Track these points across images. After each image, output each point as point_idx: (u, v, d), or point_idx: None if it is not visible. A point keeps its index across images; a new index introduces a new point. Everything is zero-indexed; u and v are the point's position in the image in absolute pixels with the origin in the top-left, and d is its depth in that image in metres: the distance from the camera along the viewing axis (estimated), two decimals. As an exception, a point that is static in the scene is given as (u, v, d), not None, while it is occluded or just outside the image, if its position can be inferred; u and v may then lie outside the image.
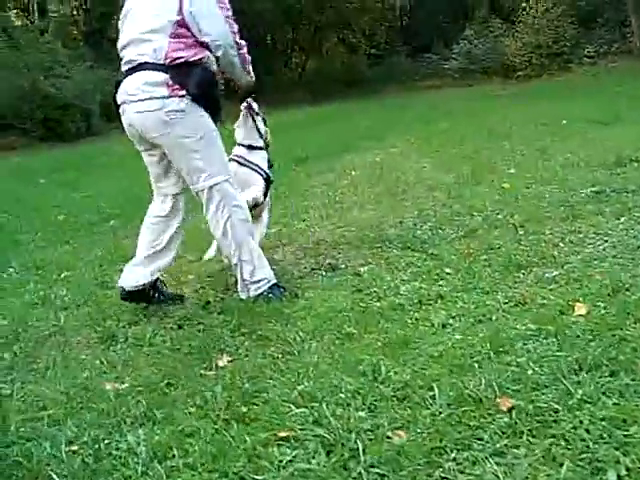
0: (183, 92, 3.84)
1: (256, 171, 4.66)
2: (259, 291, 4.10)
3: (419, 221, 5.54)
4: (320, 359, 3.09)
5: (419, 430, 2.38)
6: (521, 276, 3.88)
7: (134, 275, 4.17)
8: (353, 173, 8.83)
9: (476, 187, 6.70)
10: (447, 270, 4.14)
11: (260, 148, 4.70)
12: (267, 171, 4.72)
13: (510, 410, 2.40)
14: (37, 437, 2.76)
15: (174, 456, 2.44)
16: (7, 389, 3.34)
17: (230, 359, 3.29)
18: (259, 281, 4.11)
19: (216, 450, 2.42)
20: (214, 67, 4.06)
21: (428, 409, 2.51)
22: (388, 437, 2.37)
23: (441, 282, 3.97)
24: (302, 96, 27.00)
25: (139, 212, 7.48)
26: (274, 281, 4.17)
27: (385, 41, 32.47)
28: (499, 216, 5.32)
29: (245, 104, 4.63)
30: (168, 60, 3.82)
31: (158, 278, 4.32)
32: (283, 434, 2.47)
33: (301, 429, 2.49)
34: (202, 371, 3.20)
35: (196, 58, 3.89)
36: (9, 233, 7.56)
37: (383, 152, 10.35)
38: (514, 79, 23.24)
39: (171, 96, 3.82)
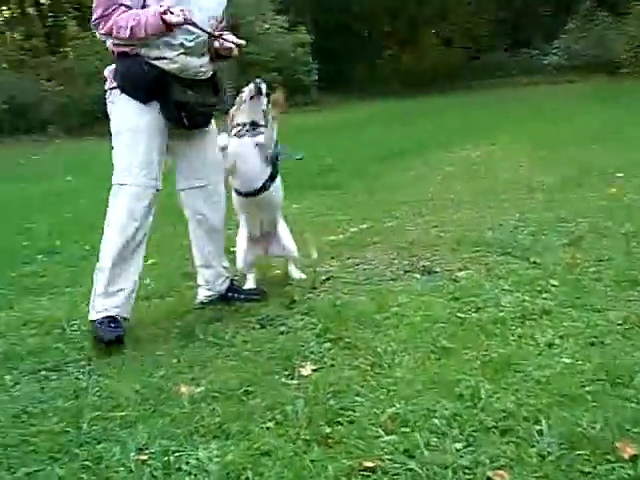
0: (113, 84, 3.76)
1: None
2: (93, 317, 3.74)
3: (520, 224, 5.22)
4: (413, 376, 2.83)
5: (525, 472, 2.10)
6: (636, 294, 3.53)
7: None
8: (447, 169, 8.51)
9: (580, 190, 6.33)
10: (552, 282, 3.82)
11: (264, 126, 4.18)
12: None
13: (634, 459, 2.08)
14: (108, 439, 2.62)
15: (247, 479, 2.23)
16: (84, 382, 3.23)
17: (314, 368, 3.06)
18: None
19: (293, 475, 2.21)
20: (159, 61, 3.67)
21: (534, 447, 2.23)
22: (489, 478, 2.10)
23: (546, 295, 3.66)
24: (396, 89, 26.68)
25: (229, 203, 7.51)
26: (112, 313, 3.70)
27: (482, 35, 31.64)
28: (607, 224, 4.95)
29: (253, 85, 4.15)
30: (114, 53, 3.79)
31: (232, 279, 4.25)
32: (369, 464, 2.22)
33: (390, 459, 2.24)
34: (283, 379, 2.98)
35: (126, 50, 3.69)
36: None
37: (479, 149, 10.00)
38: (620, 76, 22.18)
39: (109, 88, 3.80)
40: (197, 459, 2.37)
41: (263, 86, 4.08)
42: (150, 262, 5.24)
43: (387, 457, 2.26)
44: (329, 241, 5.44)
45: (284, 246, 4.36)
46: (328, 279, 4.42)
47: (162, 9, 3.51)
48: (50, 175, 11.92)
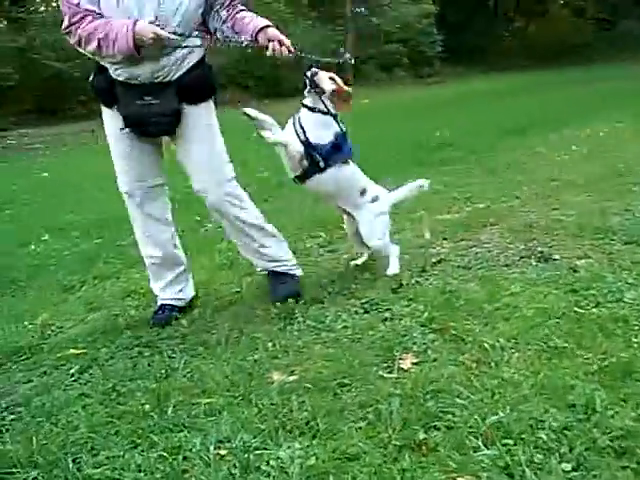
0: None
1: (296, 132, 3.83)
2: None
3: (649, 212, 4.76)
4: (521, 378, 2.55)
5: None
6: None
7: None
8: (572, 148, 8.00)
9: None
10: (684, 276, 3.41)
11: (320, 111, 3.81)
12: (308, 136, 3.79)
13: None
14: (190, 427, 2.50)
15: (330, 485, 2.04)
16: (175, 361, 3.13)
17: (415, 361, 2.82)
18: None
19: (380, 486, 1.99)
20: (111, 68, 3.40)
21: (658, 475, 1.92)
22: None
23: (677, 291, 3.27)
24: (521, 62, 25.76)
25: None
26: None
27: (615, 4, 29.96)
28: None
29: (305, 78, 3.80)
30: None
31: None
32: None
33: (488, 477, 1.99)
34: (381, 372, 2.75)
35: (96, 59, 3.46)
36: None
37: (606, 127, 9.36)
38: None
39: None
40: (278, 459, 2.20)
41: (315, 78, 3.76)
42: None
43: (484, 474, 2.01)
44: (443, 220, 5.17)
45: (360, 241, 4.10)
46: (439, 262, 4.16)
47: (133, 28, 3.18)
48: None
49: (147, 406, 2.68)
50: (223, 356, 3.11)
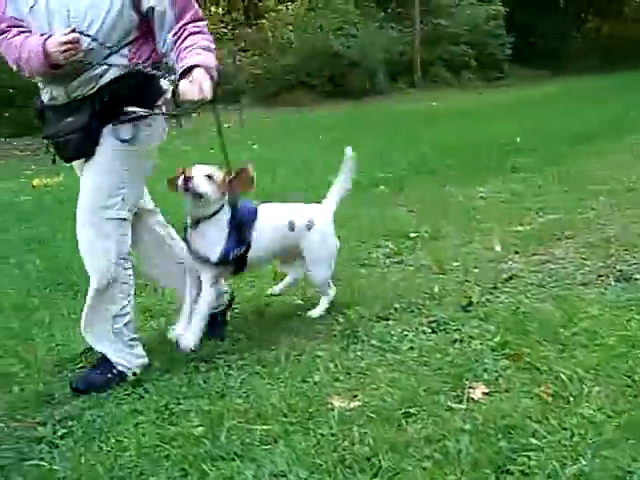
0: None
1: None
2: None
3: None
4: (603, 417, 2.32)
5: None
6: None
7: None
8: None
9: None
10: None
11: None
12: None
13: None
14: (244, 457, 2.35)
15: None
16: (232, 379, 2.99)
17: (486, 391, 2.61)
18: None
19: None
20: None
21: None
22: None
23: None
24: (592, 64, 25.10)
25: (410, 181, 7.10)
26: None
27: None
28: None
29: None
30: None
31: None
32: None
33: None
34: (449, 402, 2.56)
35: None
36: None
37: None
38: None
39: None
40: (334, 501, 2.03)
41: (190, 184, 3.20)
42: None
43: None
44: (514, 232, 4.94)
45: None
46: (511, 278, 3.95)
47: (43, 45, 2.83)
48: (239, 143, 11.96)
49: (200, 429, 2.55)
50: (281, 376, 2.96)
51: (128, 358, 3.17)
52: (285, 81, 20.65)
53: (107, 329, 3.14)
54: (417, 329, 3.33)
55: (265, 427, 2.49)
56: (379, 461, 2.20)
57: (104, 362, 3.16)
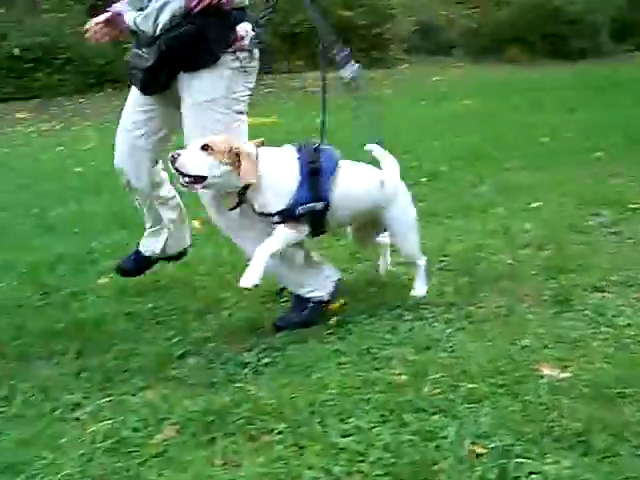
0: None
1: None
2: None
3: None
4: None
5: None
6: None
7: None
8: None
9: None
10: None
11: None
12: None
13: None
14: (446, 412, 2.30)
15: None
16: (437, 332, 2.94)
17: None
18: None
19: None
20: None
21: None
22: None
23: None
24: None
25: (631, 151, 6.51)
26: None
27: None
28: None
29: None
30: None
31: None
32: None
33: None
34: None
35: None
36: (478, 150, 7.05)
37: None
38: None
39: None
40: (541, 473, 1.93)
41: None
42: (535, 205, 4.80)
43: None
44: None
45: None
46: None
47: None
48: (449, 97, 11.71)
49: (403, 377, 2.54)
50: (489, 335, 2.87)
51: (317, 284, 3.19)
52: (496, 37, 19.71)
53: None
54: (635, 305, 3.11)
55: (470, 385, 2.42)
56: (590, 440, 2.07)
57: (299, 300, 3.22)
